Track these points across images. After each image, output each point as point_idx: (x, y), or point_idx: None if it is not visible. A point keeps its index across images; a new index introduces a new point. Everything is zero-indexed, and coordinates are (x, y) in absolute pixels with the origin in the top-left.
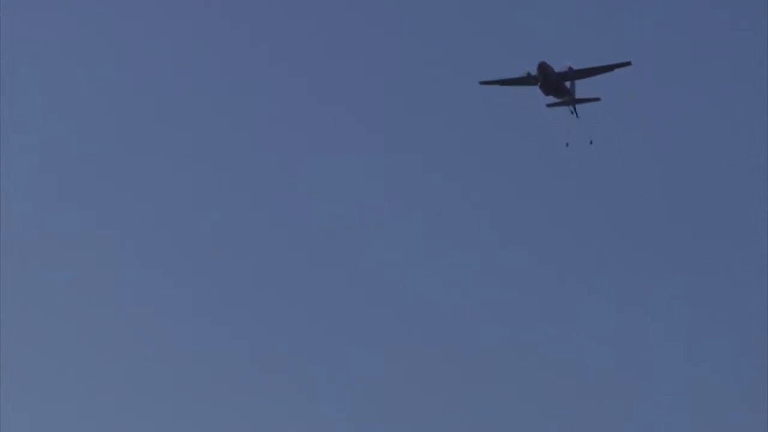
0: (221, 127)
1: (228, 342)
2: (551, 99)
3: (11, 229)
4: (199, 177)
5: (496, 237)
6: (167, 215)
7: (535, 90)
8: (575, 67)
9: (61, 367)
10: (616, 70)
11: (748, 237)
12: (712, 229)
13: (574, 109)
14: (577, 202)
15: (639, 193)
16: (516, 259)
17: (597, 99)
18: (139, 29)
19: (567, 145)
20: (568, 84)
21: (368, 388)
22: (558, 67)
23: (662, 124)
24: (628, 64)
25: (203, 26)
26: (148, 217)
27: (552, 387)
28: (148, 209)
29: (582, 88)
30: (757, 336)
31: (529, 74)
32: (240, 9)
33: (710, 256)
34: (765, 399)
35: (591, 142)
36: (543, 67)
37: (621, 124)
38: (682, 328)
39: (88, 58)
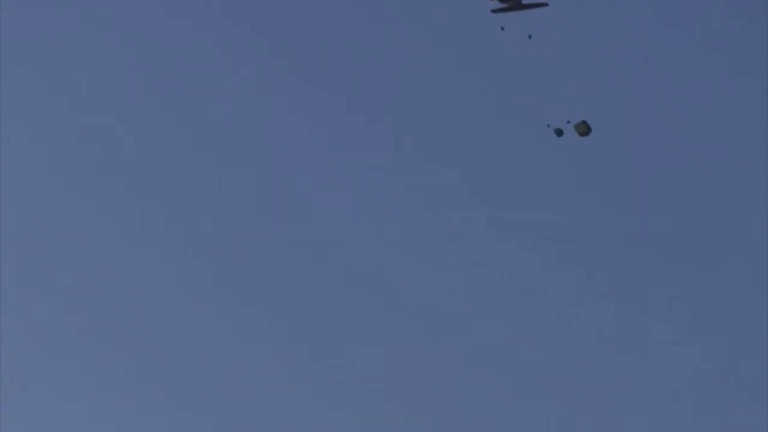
0: (222, 126)
1: (228, 342)
2: (495, 4)
3: (11, 229)
4: (200, 177)
5: (494, 232)
6: (168, 214)
7: None
8: None
9: (61, 367)
10: None
11: (751, 229)
12: (713, 225)
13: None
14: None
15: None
16: (515, 258)
17: (545, 4)
18: (140, 29)
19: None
20: None
21: (368, 388)
22: None
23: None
24: None
25: (203, 26)
26: (149, 217)
27: (553, 387)
28: (149, 208)
29: None
30: (759, 336)
31: None
32: (240, 9)
33: (712, 250)
34: (766, 399)
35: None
36: None
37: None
38: (684, 327)
39: (89, 58)
